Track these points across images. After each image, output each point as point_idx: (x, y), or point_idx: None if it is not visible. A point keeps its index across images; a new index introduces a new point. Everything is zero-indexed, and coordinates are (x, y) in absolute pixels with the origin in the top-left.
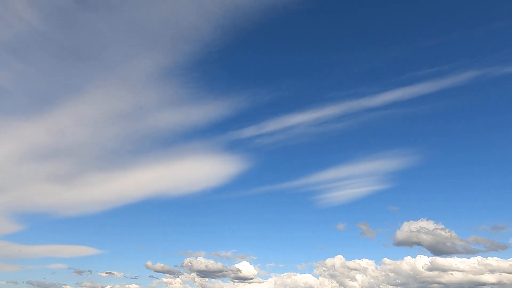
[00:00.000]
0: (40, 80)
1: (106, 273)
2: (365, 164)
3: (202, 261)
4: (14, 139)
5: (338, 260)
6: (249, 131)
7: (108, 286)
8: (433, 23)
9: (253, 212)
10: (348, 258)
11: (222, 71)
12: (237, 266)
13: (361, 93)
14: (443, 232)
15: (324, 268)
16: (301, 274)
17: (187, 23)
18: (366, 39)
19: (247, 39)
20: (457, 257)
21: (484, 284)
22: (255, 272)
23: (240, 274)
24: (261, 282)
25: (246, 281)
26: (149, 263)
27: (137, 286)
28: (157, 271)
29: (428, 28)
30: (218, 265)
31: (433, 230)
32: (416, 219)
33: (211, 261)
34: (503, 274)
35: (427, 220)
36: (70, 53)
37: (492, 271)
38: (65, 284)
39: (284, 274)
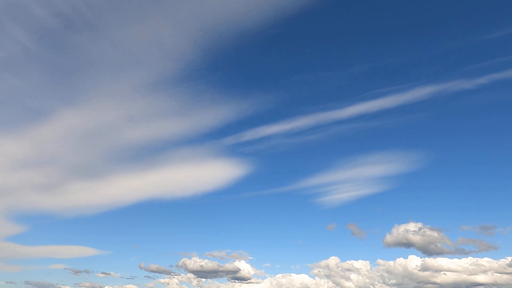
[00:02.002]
0: (32, 94)
1: (102, 274)
2: (350, 170)
3: (198, 262)
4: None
5: (333, 261)
6: (230, 140)
7: (106, 287)
8: (394, 43)
9: (248, 214)
10: (342, 259)
11: (204, 86)
12: (234, 266)
13: (330, 107)
14: (432, 233)
15: (319, 269)
16: (297, 274)
17: (170, 44)
18: (330, 60)
19: (225, 58)
20: (447, 257)
21: (478, 284)
22: (252, 272)
23: (237, 275)
24: (258, 283)
25: (243, 281)
26: (145, 264)
27: (135, 286)
28: (153, 271)
29: (389, 47)
30: (214, 266)
31: (422, 231)
32: (406, 221)
33: (207, 262)
34: (496, 274)
35: (416, 222)
36: (59, 70)
37: (484, 272)
38: (64, 285)
39: (279, 274)
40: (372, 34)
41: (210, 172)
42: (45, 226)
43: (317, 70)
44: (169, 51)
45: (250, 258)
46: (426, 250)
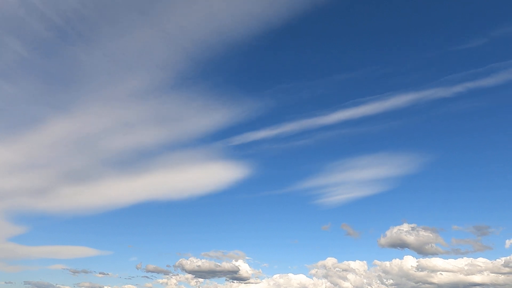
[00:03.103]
0: (28, 101)
1: (101, 274)
2: (341, 173)
3: (196, 262)
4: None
5: (330, 261)
6: (223, 144)
7: (106, 287)
8: (373, 53)
9: (243, 216)
10: (340, 259)
11: (195, 93)
12: (233, 266)
13: (314, 114)
14: (426, 234)
15: (317, 269)
16: (294, 274)
17: (160, 55)
18: (312, 70)
19: (214, 68)
20: (443, 258)
21: (476, 284)
22: (251, 272)
23: (236, 275)
24: (257, 283)
25: (241, 281)
26: (143, 264)
27: (134, 286)
28: (151, 272)
29: (368, 58)
30: (212, 266)
31: (416, 232)
32: (400, 222)
33: (204, 262)
34: (492, 274)
35: (410, 223)
36: (53, 79)
37: (480, 272)
38: (63, 285)
39: (277, 275)
40: (352, 44)
41: (204, 175)
42: (45, 226)
43: (301, 79)
44: (159, 61)
45: (247, 258)
46: (421, 251)
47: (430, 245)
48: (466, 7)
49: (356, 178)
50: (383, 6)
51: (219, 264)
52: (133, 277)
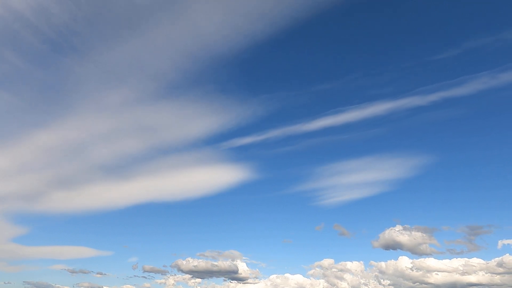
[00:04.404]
0: (23, 109)
1: (99, 274)
2: (332, 177)
3: (192, 262)
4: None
5: (327, 262)
6: (215, 149)
7: (105, 287)
8: (350, 64)
9: (240, 217)
10: (336, 260)
11: (185, 102)
12: (232, 267)
13: (297, 122)
14: (420, 235)
15: (314, 270)
16: (291, 275)
17: (150, 66)
18: (292, 81)
19: (203, 79)
20: (437, 258)
21: (472, 284)
22: (249, 272)
23: (234, 275)
24: (255, 283)
25: (240, 281)
26: (141, 265)
27: (132, 287)
28: (149, 272)
29: (346, 68)
30: (210, 266)
31: (409, 233)
32: (393, 224)
33: (200, 261)
34: (487, 274)
35: (403, 224)
36: (47, 88)
37: (475, 272)
38: (62, 285)
39: (274, 275)
40: (330, 56)
41: (197, 178)
42: (45, 227)
43: (283, 89)
44: (149, 72)
45: (244, 258)
46: (415, 251)
47: (423, 245)
48: (440, 20)
49: (345, 182)
50: (360, 20)
51: (215, 264)
52: (131, 277)
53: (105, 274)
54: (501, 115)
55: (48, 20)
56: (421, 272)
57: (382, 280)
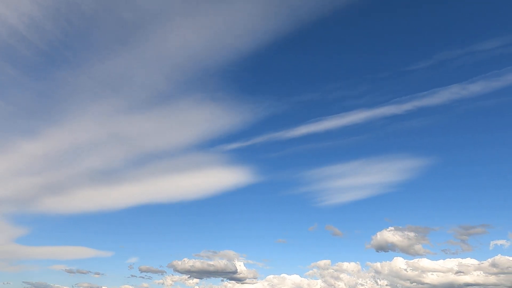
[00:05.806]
0: (20, 116)
1: (97, 274)
2: (325, 180)
3: (188, 262)
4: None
5: (325, 262)
6: (210, 152)
7: (104, 287)
8: (330, 76)
9: (237, 217)
10: (333, 261)
11: (177, 110)
12: (230, 267)
13: (279, 129)
14: (413, 236)
15: (311, 270)
16: (288, 275)
17: (141, 77)
18: (279, 90)
19: (192, 89)
20: (430, 259)
21: (469, 284)
22: (247, 273)
23: (232, 276)
24: (253, 283)
25: (238, 282)
26: (140, 265)
27: (131, 287)
28: (148, 272)
29: (323, 80)
30: (207, 266)
31: (403, 234)
32: (386, 225)
33: (196, 261)
34: (482, 274)
35: (396, 225)
36: (42, 98)
37: (469, 272)
38: (62, 285)
39: (271, 275)
40: (310, 69)
41: (191, 181)
42: (44, 228)
43: (266, 100)
44: (140, 83)
45: (241, 258)
46: (409, 252)
47: (417, 246)
48: (413, 32)
49: (336, 185)
50: (338, 35)
51: (212, 263)
52: (130, 277)
53: (103, 274)
54: (476, 120)
55: (41, 35)
56: (417, 272)
57: (378, 281)
